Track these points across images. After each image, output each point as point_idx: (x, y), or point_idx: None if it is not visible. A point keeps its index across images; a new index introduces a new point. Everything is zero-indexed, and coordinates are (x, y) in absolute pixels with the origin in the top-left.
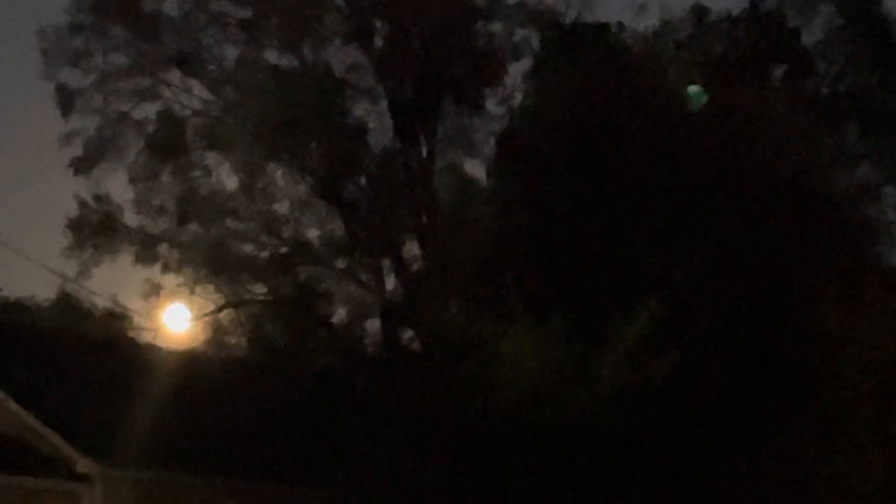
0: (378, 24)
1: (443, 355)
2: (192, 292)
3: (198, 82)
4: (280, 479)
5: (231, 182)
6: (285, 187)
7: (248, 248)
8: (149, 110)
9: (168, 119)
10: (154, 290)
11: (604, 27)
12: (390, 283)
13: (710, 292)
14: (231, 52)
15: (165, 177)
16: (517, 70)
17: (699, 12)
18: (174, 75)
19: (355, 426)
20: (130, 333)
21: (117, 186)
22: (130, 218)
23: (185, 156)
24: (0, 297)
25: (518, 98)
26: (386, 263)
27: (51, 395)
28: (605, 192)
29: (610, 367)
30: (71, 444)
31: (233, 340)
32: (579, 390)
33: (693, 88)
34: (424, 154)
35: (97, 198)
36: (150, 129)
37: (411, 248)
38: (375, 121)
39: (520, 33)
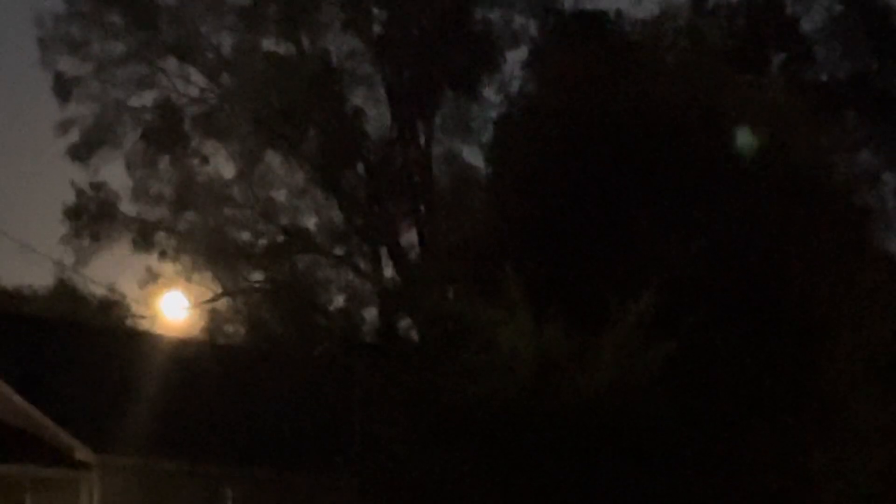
0: (376, 11)
1: (440, 343)
2: (189, 280)
3: (195, 70)
4: (278, 466)
5: (228, 170)
6: (283, 175)
7: (246, 236)
8: (146, 98)
9: (165, 107)
10: (151, 278)
11: (602, 15)
12: (388, 270)
13: (709, 280)
14: (228, 40)
15: (163, 164)
16: (515, 57)
17: (698, 0)
18: (171, 63)
19: (353, 413)
20: (128, 321)
21: (115, 174)
22: (128, 206)
23: (182, 144)
24: None
25: (516, 85)
26: (383, 251)
27: (49, 384)
28: (603, 179)
29: (608, 355)
30: (69, 432)
31: (230, 328)
32: (577, 378)
33: (742, 133)
34: (422, 141)
35: (95, 186)
36: (148, 116)
37: (409, 236)
38: (373, 108)
39: (518, 20)
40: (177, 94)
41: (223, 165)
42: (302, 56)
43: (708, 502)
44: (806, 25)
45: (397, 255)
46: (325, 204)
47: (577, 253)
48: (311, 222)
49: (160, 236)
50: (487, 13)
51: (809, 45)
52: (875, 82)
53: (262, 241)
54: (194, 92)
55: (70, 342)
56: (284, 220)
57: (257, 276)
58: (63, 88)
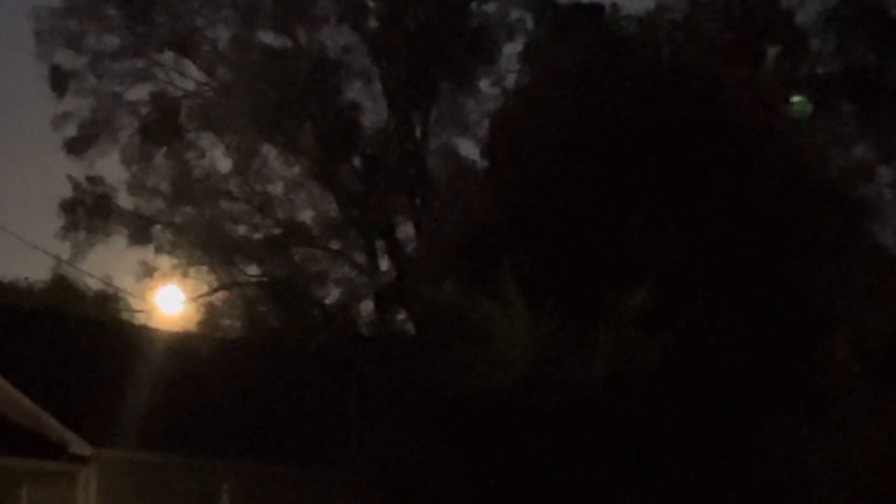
0: (372, 5)
1: (437, 336)
2: (185, 274)
3: (191, 64)
4: (275, 459)
5: (225, 163)
6: (279, 168)
7: (242, 230)
8: (142, 92)
9: (162, 101)
10: (148, 272)
11: (598, 8)
12: (384, 264)
13: (705, 274)
14: (224, 34)
15: (159, 158)
16: (511, 50)
17: None
18: (168, 57)
19: (349, 407)
20: (124, 315)
21: (111, 168)
22: (124, 199)
23: (178, 137)
24: None
25: (512, 79)
26: (380, 244)
27: (45, 377)
28: (599, 172)
29: (604, 348)
30: (66, 425)
31: (227, 322)
32: (574, 371)
33: (798, 98)
34: (418, 135)
35: (91, 179)
36: (144, 110)
37: (405, 229)
38: (369, 102)
39: (514, 14)
40: (173, 87)
41: (219, 159)
42: (298, 50)
43: (705, 495)
44: (801, 18)
45: (393, 249)
46: (321, 197)
47: (573, 246)
48: (307, 216)
49: (157, 230)
50: (483, 6)
51: (804, 37)
52: (871, 75)
53: (259, 235)
54: (190, 86)
55: (67, 336)
56: (281, 214)
57: (254, 269)
58: (59, 82)
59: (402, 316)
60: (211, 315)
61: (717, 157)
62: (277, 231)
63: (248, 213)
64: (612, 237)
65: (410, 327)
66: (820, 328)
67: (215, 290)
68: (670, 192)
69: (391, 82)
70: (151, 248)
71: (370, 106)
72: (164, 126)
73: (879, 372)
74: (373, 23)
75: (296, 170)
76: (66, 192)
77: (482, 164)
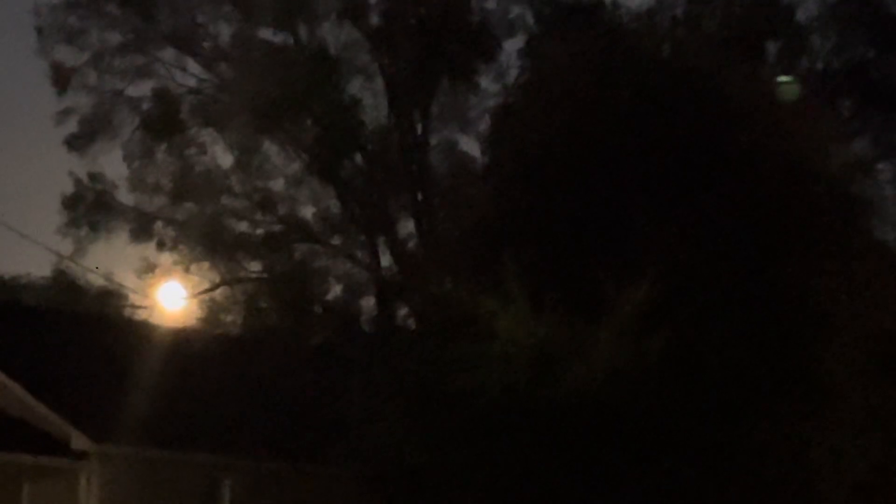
0: (373, 1)
1: (438, 332)
2: (187, 270)
3: (192, 60)
4: (276, 455)
5: (226, 159)
6: (280, 165)
7: (243, 226)
8: (144, 88)
9: (163, 97)
10: (149, 268)
11: (599, 4)
12: (385, 260)
13: (706, 269)
14: (226, 30)
15: (160, 154)
16: (512, 47)
17: None
18: (169, 53)
19: (351, 403)
20: (126, 311)
21: (112, 164)
22: (125, 196)
23: (180, 133)
24: None
25: (513, 75)
26: (381, 240)
27: (46, 373)
28: (600, 168)
29: (605, 344)
30: (67, 421)
31: (228, 318)
32: (575, 367)
33: (785, 78)
34: (419, 131)
35: (92, 175)
36: (145, 106)
37: (406, 225)
38: (370, 98)
39: (514, 10)
40: (174, 84)
41: (221, 155)
42: (299, 46)
43: (705, 491)
44: (801, 14)
45: (395, 245)
46: (322, 194)
47: (574, 242)
48: (308, 212)
49: (158, 226)
50: (484, 3)
51: (805, 34)
52: (871, 71)
53: (260, 231)
54: (191, 82)
55: (68, 331)
56: (282, 210)
57: (255, 265)
58: (60, 78)
59: (403, 312)
60: (212, 311)
61: (717, 152)
62: (279, 227)
63: (249, 210)
64: (613, 233)
65: (412, 323)
66: (820, 324)
67: (216, 287)
68: (671, 188)
69: (392, 79)
70: (153, 244)
71: (371, 102)
72: (165, 122)
73: (880, 368)
74: (374, 19)
75: (297, 166)
76: (68, 188)
77: (483, 160)
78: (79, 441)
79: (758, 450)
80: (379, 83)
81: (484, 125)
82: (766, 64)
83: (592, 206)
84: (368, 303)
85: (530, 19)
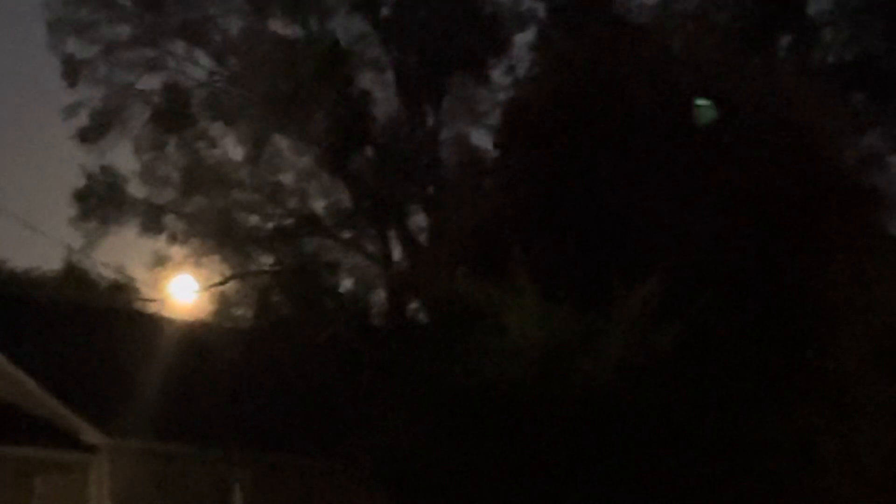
0: None
1: (448, 326)
2: (198, 263)
3: (203, 53)
4: (287, 449)
5: (236, 153)
6: (291, 158)
7: (254, 219)
8: (154, 81)
9: (173, 90)
10: (160, 261)
11: None
12: (396, 253)
13: (716, 263)
14: (236, 23)
15: (171, 148)
16: (523, 40)
17: None
18: (179, 46)
19: (361, 397)
20: (137, 304)
21: (123, 157)
22: (136, 189)
23: (190, 126)
24: (6, 269)
25: (524, 68)
26: (392, 234)
27: (58, 367)
28: (610, 162)
29: (615, 338)
30: (78, 415)
31: (239, 311)
32: (585, 361)
33: (701, 102)
34: (430, 124)
35: (103, 168)
36: (156, 99)
37: (417, 219)
38: (381, 91)
39: (525, 3)
40: (185, 77)
41: (231, 148)
42: (310, 39)
43: (716, 485)
44: (813, 7)
45: (405, 238)
46: (333, 187)
47: (584, 235)
48: (319, 205)
49: (169, 219)
50: None
51: (817, 27)
52: (882, 64)
53: (271, 225)
54: (202, 75)
55: (79, 325)
56: (292, 203)
57: (266, 259)
58: (71, 71)
59: (414, 305)
60: (223, 304)
61: (728, 146)
62: (289, 220)
63: (259, 203)
64: (623, 226)
65: (423, 317)
66: (830, 318)
67: (227, 280)
68: (681, 181)
69: (403, 72)
70: (164, 237)
71: (382, 95)
72: (175, 115)
73: (890, 361)
74: (385, 12)
75: (307, 159)
76: (79, 181)
77: (494, 153)
78: (89, 435)
79: (767, 443)
80: (390, 76)
81: (495, 118)
82: (778, 57)
83: (603, 200)
84: (379, 296)
85: (541, 12)
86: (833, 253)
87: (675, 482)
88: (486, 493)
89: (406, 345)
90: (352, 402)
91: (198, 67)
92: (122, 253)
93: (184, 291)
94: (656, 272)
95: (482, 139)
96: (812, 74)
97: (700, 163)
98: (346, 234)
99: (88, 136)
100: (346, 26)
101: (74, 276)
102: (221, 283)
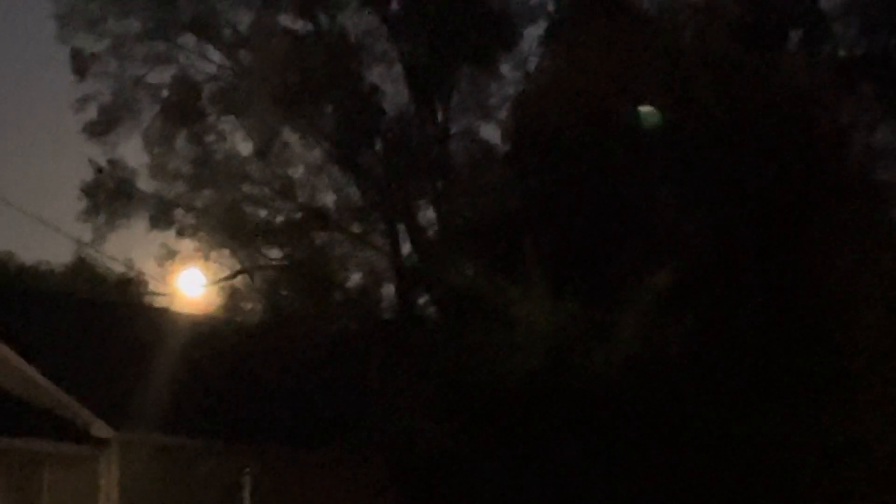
0: None
1: (458, 320)
2: (207, 257)
3: (212, 47)
4: (296, 443)
5: (246, 147)
6: (300, 152)
7: (263, 213)
8: (164, 75)
9: (183, 84)
10: (169, 255)
11: None
12: (405, 247)
13: (727, 257)
14: (246, 17)
15: (180, 142)
16: (532, 34)
17: None
18: (189, 40)
19: (371, 390)
20: (146, 298)
21: (132, 151)
22: (145, 183)
23: (199, 121)
24: (16, 263)
25: (533, 62)
26: (401, 228)
27: (67, 360)
28: (620, 155)
29: (625, 332)
30: (87, 408)
31: (248, 305)
32: (595, 354)
33: (644, 109)
34: (440, 118)
35: (112, 162)
36: (165, 93)
37: (426, 213)
38: (390, 85)
39: None
40: (194, 71)
41: (240, 142)
42: (319, 33)
43: (727, 478)
44: (824, 1)
45: (415, 232)
46: (342, 181)
47: (594, 229)
48: (328, 199)
49: (178, 213)
50: None
51: (827, 21)
52: (893, 58)
53: (280, 219)
54: (212, 69)
55: (88, 319)
56: (302, 198)
57: (275, 253)
58: (80, 65)
59: (423, 300)
60: (232, 298)
61: (738, 140)
62: (299, 215)
63: (269, 197)
64: (634, 220)
65: (432, 311)
66: (841, 311)
67: (236, 274)
68: (692, 175)
69: (412, 66)
70: (173, 231)
71: (391, 90)
72: (185, 109)
73: None
74: (394, 6)
75: (317, 153)
76: (88, 175)
77: (503, 147)
78: (99, 428)
79: (778, 437)
80: (399, 70)
81: (504, 113)
82: (788, 51)
83: (613, 193)
84: (388, 290)
85: (551, 6)
86: (844, 247)
87: (684, 475)
88: (496, 484)
89: (415, 339)
90: (361, 396)
91: (207, 62)
92: (130, 247)
93: (192, 285)
94: (666, 265)
95: (492, 133)
96: (823, 68)
97: (711, 156)
98: (356, 229)
99: (97, 129)
100: (356, 20)
101: (83, 269)
102: (230, 278)
